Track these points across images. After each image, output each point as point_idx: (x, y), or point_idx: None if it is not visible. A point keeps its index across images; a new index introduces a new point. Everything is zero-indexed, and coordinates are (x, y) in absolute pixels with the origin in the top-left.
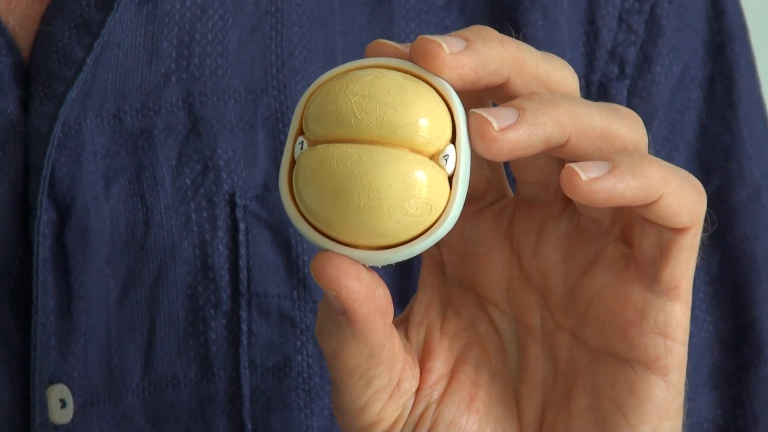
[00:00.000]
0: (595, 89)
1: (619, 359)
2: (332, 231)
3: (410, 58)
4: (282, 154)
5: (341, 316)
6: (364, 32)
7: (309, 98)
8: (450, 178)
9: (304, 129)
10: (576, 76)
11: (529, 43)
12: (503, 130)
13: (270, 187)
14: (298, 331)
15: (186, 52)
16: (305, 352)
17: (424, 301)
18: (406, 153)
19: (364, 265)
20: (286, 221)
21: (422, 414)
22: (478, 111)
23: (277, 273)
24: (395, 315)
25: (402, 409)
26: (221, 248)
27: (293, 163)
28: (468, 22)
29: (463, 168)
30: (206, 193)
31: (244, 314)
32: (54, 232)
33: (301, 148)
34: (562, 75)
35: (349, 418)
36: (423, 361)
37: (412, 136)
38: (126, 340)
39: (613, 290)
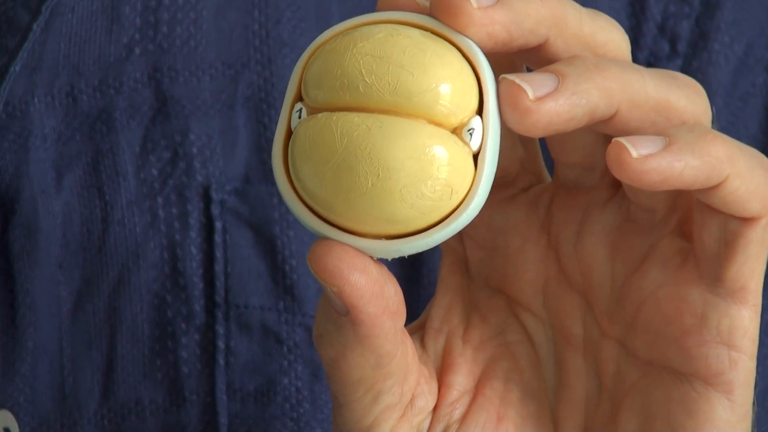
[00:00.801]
0: None
1: (674, 373)
2: (334, 216)
3: (431, 13)
4: (267, 138)
5: (343, 316)
6: None
7: (309, 58)
8: (475, 157)
9: (303, 94)
10: (626, 37)
11: None
12: (540, 99)
13: (252, 179)
14: (285, 349)
15: (152, 18)
16: (293, 374)
17: (444, 304)
18: (424, 125)
19: (372, 257)
20: (270, 219)
21: None
22: (510, 77)
23: (259, 280)
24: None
25: (416, 430)
26: (194, 251)
27: (290, 134)
28: None
29: (490, 144)
30: (176, 185)
31: (220, 329)
32: None
33: (299, 117)
34: (611, 36)
35: None
36: (442, 374)
37: (431, 105)
38: (81, 359)
39: (669, 291)
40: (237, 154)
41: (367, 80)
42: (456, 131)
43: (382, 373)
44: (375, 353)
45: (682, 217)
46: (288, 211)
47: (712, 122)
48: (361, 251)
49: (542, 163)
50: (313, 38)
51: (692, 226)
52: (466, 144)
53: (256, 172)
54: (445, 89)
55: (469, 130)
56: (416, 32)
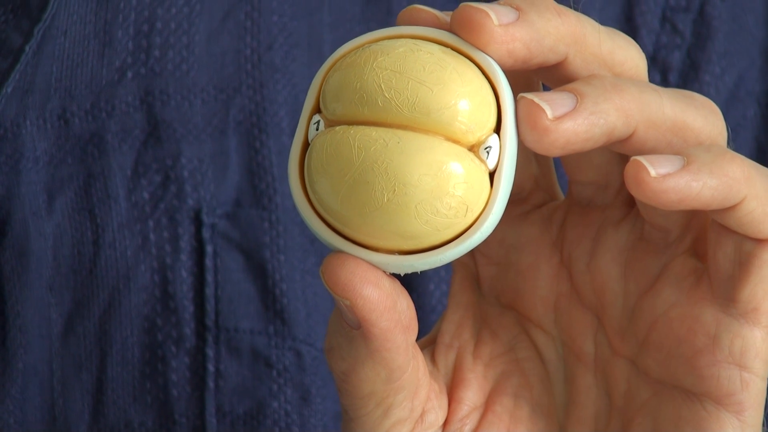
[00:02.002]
0: None
1: (685, 393)
2: (348, 229)
3: (451, 29)
4: (259, 162)
5: (355, 330)
6: (357, 25)
7: (329, 70)
8: (491, 175)
9: (321, 107)
10: (644, 56)
11: None
12: (558, 119)
13: (243, 203)
14: (275, 373)
15: (145, 43)
16: (282, 398)
17: (455, 319)
18: (441, 142)
19: (384, 272)
20: (261, 243)
21: None
22: (529, 95)
23: (250, 304)
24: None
25: None
26: (184, 274)
27: (306, 145)
28: None
29: (507, 163)
30: (167, 208)
31: (210, 352)
32: None
33: (317, 129)
34: (629, 54)
35: None
36: (452, 389)
37: (449, 122)
38: (72, 382)
39: (681, 311)
40: (228, 178)
41: (386, 95)
42: (473, 149)
43: (393, 387)
44: (387, 367)
45: (696, 237)
46: (278, 235)
47: (728, 141)
48: (375, 265)
49: (555, 181)
50: (305, 65)
51: (706, 246)
52: (483, 162)
53: (246, 197)
54: (463, 106)
55: (486, 148)
56: (436, 48)
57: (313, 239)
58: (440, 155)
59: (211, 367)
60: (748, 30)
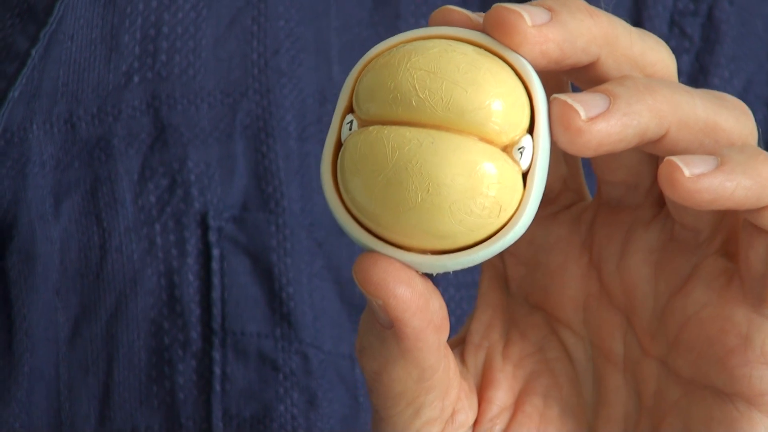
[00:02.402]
0: None
1: (717, 393)
2: (381, 229)
3: (484, 30)
4: (266, 166)
5: (387, 330)
6: (365, 29)
7: (362, 70)
8: (524, 175)
9: (355, 106)
10: (674, 57)
11: None
12: (592, 120)
13: (249, 206)
14: (281, 376)
15: (151, 47)
16: (289, 401)
17: (484, 319)
18: (475, 142)
19: (417, 271)
20: (268, 246)
21: None
22: (562, 96)
23: (256, 308)
24: None
25: None
26: (191, 277)
27: (339, 145)
28: None
29: (540, 164)
30: (173, 212)
31: (217, 355)
32: None
33: (350, 129)
34: (660, 56)
35: None
36: (482, 389)
37: (483, 123)
38: (78, 385)
39: (713, 311)
40: (235, 181)
41: (420, 95)
42: (506, 149)
43: (425, 387)
44: (418, 367)
45: (727, 238)
46: (285, 239)
47: (758, 143)
48: (407, 265)
49: (584, 181)
50: (312, 69)
51: (737, 246)
52: (516, 162)
53: (253, 200)
54: (497, 107)
55: (519, 149)
56: (470, 49)
57: (321, 243)
58: (474, 155)
59: (217, 371)
60: (756, 34)
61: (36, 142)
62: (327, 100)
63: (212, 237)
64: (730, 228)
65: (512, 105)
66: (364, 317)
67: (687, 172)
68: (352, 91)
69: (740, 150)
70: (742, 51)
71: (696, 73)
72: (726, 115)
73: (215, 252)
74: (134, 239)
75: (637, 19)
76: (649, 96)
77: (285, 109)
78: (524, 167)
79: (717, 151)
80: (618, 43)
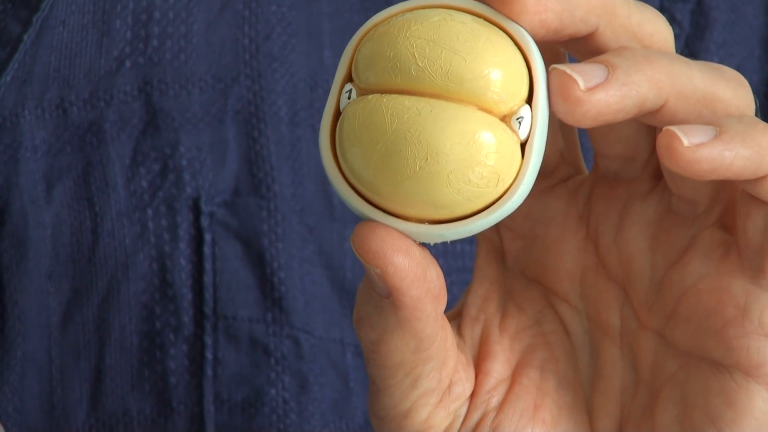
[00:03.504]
0: None
1: (714, 365)
2: (379, 198)
3: (483, 0)
4: (257, 151)
5: (385, 299)
6: (355, 15)
7: (361, 39)
8: (522, 145)
9: (353, 75)
10: (671, 29)
11: None
12: (591, 90)
13: (241, 191)
14: (273, 361)
15: (143, 32)
16: (280, 385)
17: (481, 292)
18: (474, 111)
19: (415, 241)
20: (259, 231)
21: (478, 424)
22: (561, 67)
23: (248, 292)
24: None
25: (453, 416)
26: (183, 262)
27: (338, 114)
28: None
29: (538, 134)
30: (165, 197)
31: (208, 340)
32: None
33: (349, 98)
34: (657, 27)
35: (390, 425)
36: (479, 361)
37: (482, 92)
38: (70, 369)
39: (710, 283)
40: (227, 166)
41: (420, 64)
42: (505, 119)
43: (422, 357)
44: (416, 336)
45: (725, 210)
46: (277, 223)
47: (756, 113)
48: (405, 234)
49: (580, 155)
50: (304, 54)
51: (734, 218)
52: (515, 132)
53: (245, 185)
54: (496, 76)
55: (518, 119)
56: (469, 18)
57: (312, 228)
58: (473, 125)
59: (209, 355)
60: (746, 20)
61: (28, 127)
62: (318, 85)
63: (204, 222)
64: (727, 200)
65: (511, 74)
66: (361, 287)
67: (686, 142)
68: (351, 60)
69: (739, 120)
70: (732, 37)
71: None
72: (724, 86)
73: (207, 237)
74: (126, 224)
75: None
76: (648, 66)
77: (276, 94)
78: (523, 137)
79: (716, 121)
80: (616, 13)
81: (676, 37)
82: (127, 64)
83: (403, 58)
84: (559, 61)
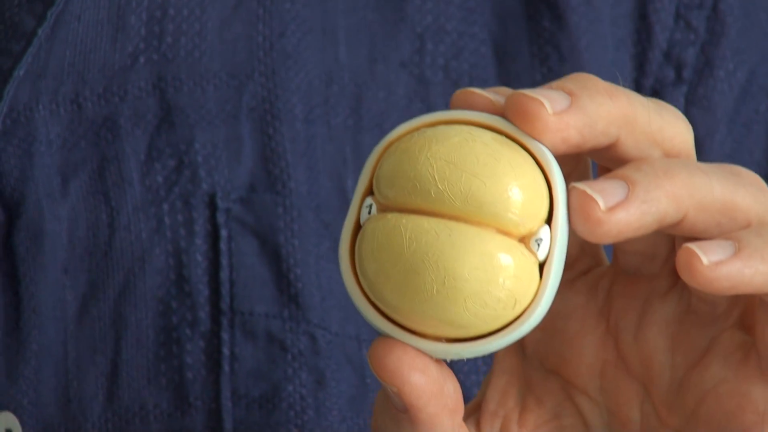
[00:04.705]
0: (647, 96)
1: None
2: (397, 315)
3: (505, 115)
4: (272, 148)
5: (402, 414)
6: (371, 12)
7: (383, 151)
8: (541, 266)
9: (374, 189)
10: (690, 127)
11: (570, 31)
12: (611, 209)
13: (257, 187)
14: (289, 356)
15: (157, 29)
16: (297, 381)
17: (500, 386)
18: (493, 234)
19: (431, 357)
20: (275, 228)
21: None
22: (581, 185)
23: (264, 288)
24: None
25: None
26: (199, 258)
27: (358, 226)
28: (495, 3)
29: (557, 255)
30: (181, 192)
31: (225, 335)
32: (0, 235)
33: (369, 213)
34: (677, 129)
35: None
36: None
37: (501, 215)
38: (86, 363)
39: (730, 387)
40: (242, 163)
41: (440, 186)
42: (524, 240)
43: None
44: None
45: (744, 310)
46: (293, 220)
47: None
48: (422, 351)
49: (601, 247)
50: (319, 50)
51: (754, 320)
52: (533, 254)
53: (260, 182)
54: (516, 200)
55: (537, 240)
56: (490, 137)
57: (328, 224)
58: (491, 249)
59: (226, 351)
60: (760, 26)
61: (42, 122)
62: (333, 82)
63: (220, 218)
64: (747, 301)
65: (531, 197)
66: (379, 396)
67: (705, 260)
68: (373, 171)
69: (758, 233)
70: (746, 43)
71: (702, 65)
72: (743, 193)
73: (223, 233)
74: (142, 218)
75: (643, 12)
76: (667, 181)
77: (291, 92)
78: (541, 258)
79: (735, 235)
80: (637, 121)
81: (692, 43)
82: (142, 60)
83: (424, 179)
84: (582, 165)
